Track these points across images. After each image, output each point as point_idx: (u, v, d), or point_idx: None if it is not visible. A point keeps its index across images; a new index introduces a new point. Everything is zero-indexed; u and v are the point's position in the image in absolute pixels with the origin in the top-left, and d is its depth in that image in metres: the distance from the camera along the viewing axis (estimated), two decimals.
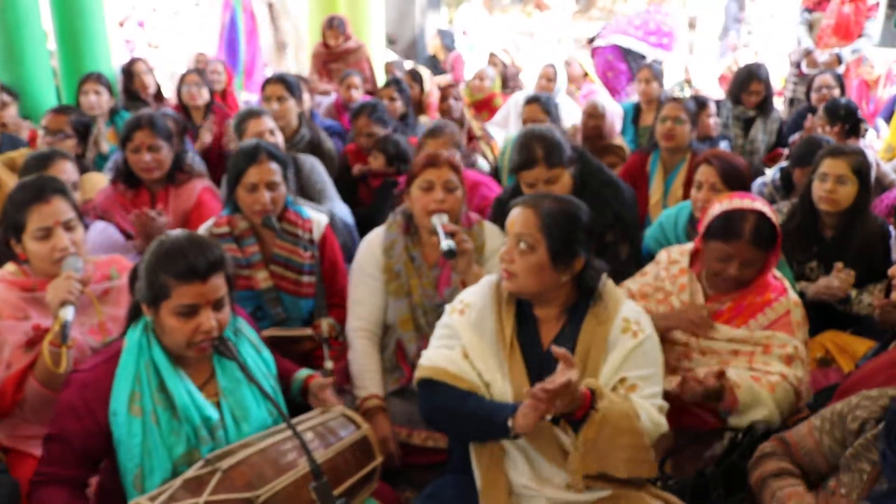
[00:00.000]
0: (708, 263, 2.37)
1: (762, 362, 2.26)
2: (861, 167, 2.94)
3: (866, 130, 4.74)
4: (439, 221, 2.43)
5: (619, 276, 2.51)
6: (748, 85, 4.84)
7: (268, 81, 3.94)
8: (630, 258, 2.93)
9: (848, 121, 4.19)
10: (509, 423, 1.79)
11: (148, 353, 1.83)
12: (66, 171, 2.91)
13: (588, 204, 2.33)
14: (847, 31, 5.79)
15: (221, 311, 1.83)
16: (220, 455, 1.77)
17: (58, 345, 2.01)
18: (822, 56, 5.76)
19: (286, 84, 3.88)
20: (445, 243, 2.36)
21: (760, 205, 2.32)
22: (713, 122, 4.46)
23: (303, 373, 2.21)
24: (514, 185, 2.98)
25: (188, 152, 3.72)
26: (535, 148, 2.69)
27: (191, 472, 1.73)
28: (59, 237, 2.18)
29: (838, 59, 5.74)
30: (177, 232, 1.89)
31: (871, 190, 3.04)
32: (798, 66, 6.04)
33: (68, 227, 2.21)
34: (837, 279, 2.84)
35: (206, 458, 1.77)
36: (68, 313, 2.03)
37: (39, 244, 2.18)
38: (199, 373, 1.90)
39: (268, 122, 3.37)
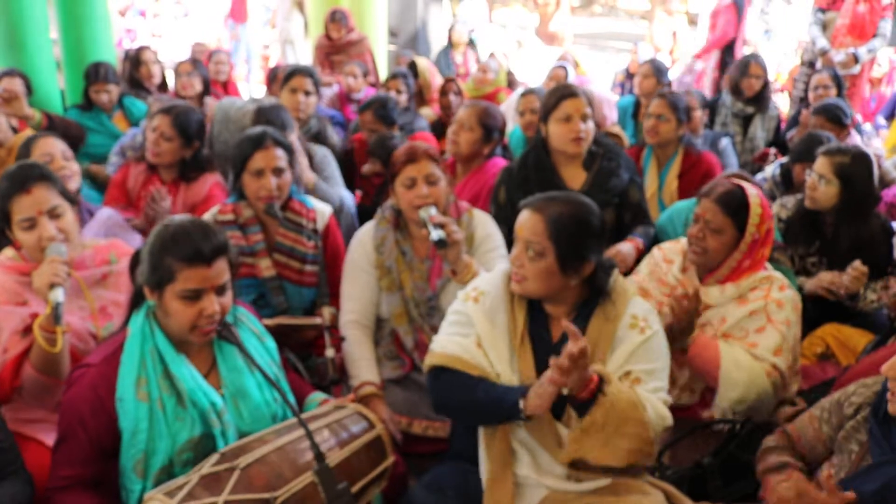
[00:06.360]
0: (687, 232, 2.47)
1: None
2: (845, 170, 2.93)
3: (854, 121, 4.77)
4: (427, 215, 2.44)
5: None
6: (747, 69, 4.85)
7: (296, 73, 3.93)
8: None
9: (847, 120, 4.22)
10: (520, 403, 1.80)
11: (152, 341, 1.83)
12: (50, 145, 2.91)
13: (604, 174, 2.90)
14: (862, 30, 5.74)
15: (224, 296, 1.84)
16: (236, 451, 1.75)
17: (51, 329, 2.01)
18: (838, 56, 5.71)
19: (314, 79, 3.93)
20: (436, 234, 2.37)
21: (749, 186, 2.40)
22: (698, 115, 4.45)
23: (317, 395, 2.18)
24: (525, 156, 3.08)
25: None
26: (575, 87, 3.01)
27: (207, 468, 1.70)
28: (43, 226, 2.17)
29: (855, 59, 5.69)
30: (181, 216, 1.89)
31: (864, 192, 2.99)
32: (811, 65, 6.00)
33: (54, 214, 2.19)
34: (849, 277, 2.83)
35: (221, 451, 1.76)
36: (59, 295, 2.02)
37: (26, 234, 2.18)
38: (200, 362, 1.90)
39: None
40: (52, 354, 2.04)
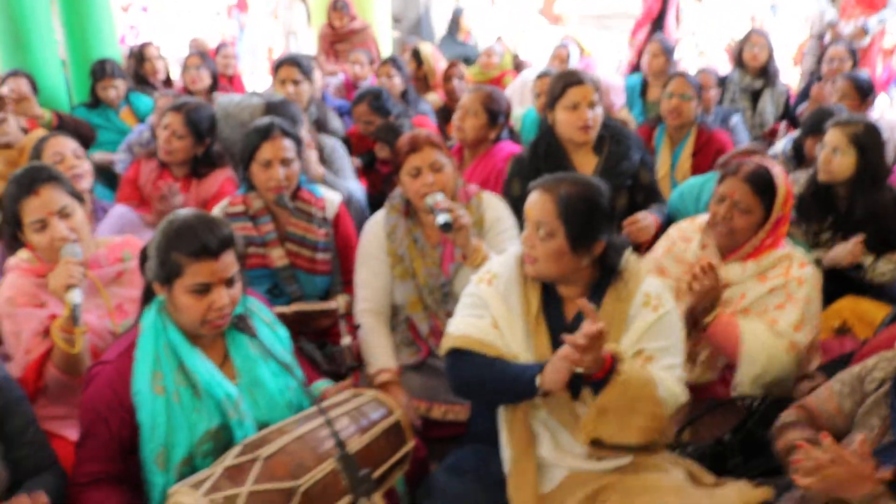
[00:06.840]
0: (710, 209, 2.42)
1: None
2: (860, 139, 2.91)
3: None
4: (433, 201, 2.43)
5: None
6: (748, 38, 4.84)
7: (281, 64, 3.90)
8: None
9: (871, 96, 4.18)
10: (537, 380, 1.81)
11: (164, 335, 1.84)
12: (61, 144, 2.91)
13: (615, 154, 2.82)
14: (872, 1, 5.67)
15: (233, 288, 1.85)
16: (257, 442, 1.77)
17: (70, 330, 2.03)
18: (847, 28, 5.63)
19: (300, 67, 3.87)
20: (441, 217, 2.36)
21: (773, 163, 2.36)
22: (713, 94, 4.43)
23: (321, 384, 2.18)
24: (534, 144, 3.03)
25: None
26: (581, 73, 2.94)
27: (230, 460, 1.72)
28: (55, 227, 2.18)
29: (864, 31, 5.61)
30: (186, 211, 1.89)
31: (880, 161, 2.98)
32: (820, 38, 5.93)
33: (63, 214, 2.21)
34: (846, 249, 2.83)
35: (243, 443, 1.77)
36: (76, 296, 2.04)
37: (38, 236, 2.20)
38: (214, 354, 1.91)
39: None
40: (73, 355, 2.06)
